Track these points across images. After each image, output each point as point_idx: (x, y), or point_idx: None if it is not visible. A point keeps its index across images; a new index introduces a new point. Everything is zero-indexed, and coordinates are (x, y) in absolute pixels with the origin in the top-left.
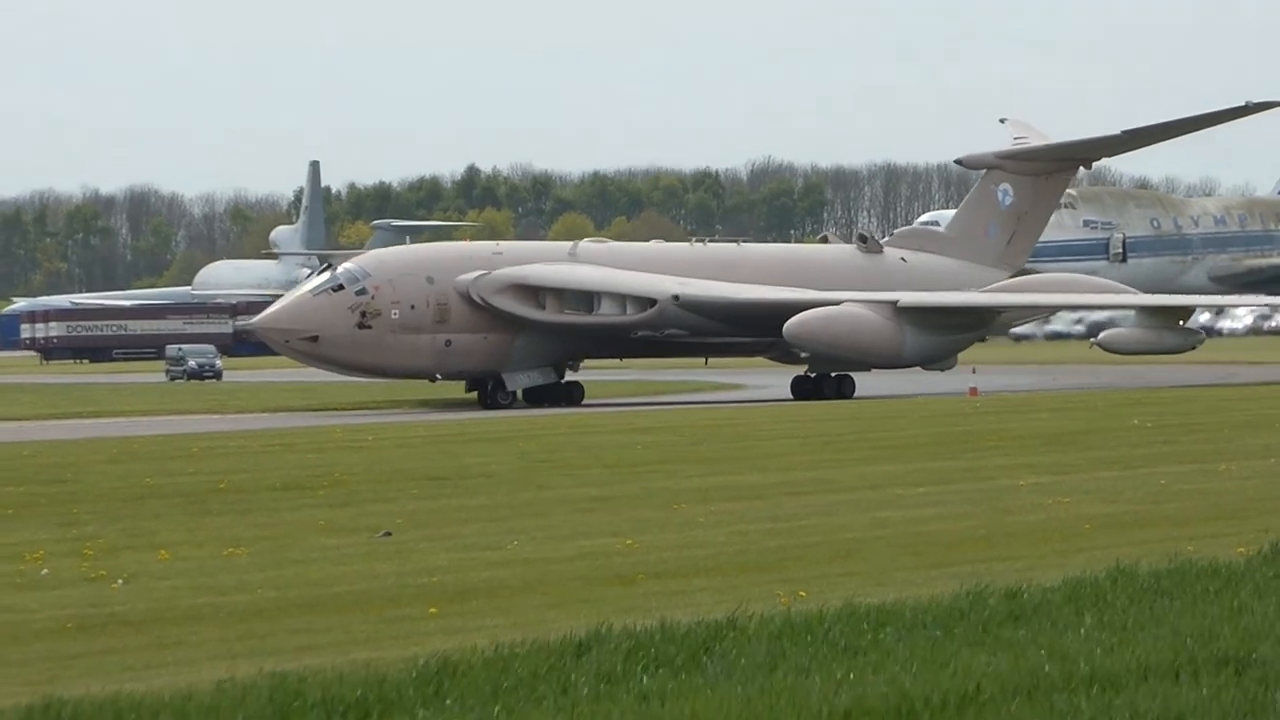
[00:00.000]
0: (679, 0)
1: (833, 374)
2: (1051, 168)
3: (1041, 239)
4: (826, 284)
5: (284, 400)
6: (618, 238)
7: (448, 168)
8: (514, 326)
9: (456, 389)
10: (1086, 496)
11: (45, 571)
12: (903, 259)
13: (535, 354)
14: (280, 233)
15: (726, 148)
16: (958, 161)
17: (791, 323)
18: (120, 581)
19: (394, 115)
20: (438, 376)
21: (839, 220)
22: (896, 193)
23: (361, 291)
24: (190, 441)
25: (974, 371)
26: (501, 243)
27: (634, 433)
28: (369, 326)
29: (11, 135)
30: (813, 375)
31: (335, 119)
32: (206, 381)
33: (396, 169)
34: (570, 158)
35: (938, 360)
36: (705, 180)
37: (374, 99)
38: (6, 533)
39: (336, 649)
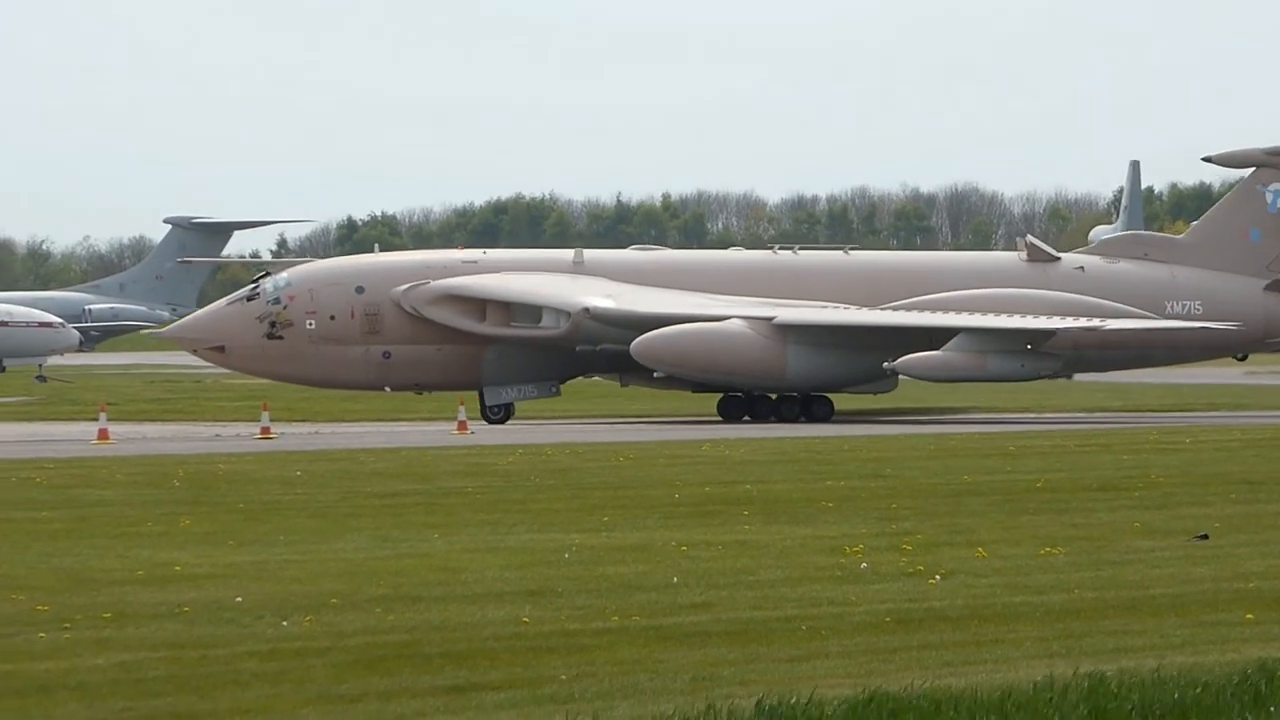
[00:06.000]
0: None
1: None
2: None
3: None
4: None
5: (1100, 401)
6: None
7: None
8: (480, 340)
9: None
10: None
11: (865, 565)
12: (1080, 268)
13: (517, 368)
14: (1098, 232)
15: None
16: (1206, 159)
17: (638, 341)
18: (938, 577)
19: (1217, 117)
20: (387, 389)
21: None
22: None
23: (275, 301)
24: (1007, 440)
25: None
26: (490, 251)
27: None
28: (280, 337)
29: (831, 134)
30: (774, 398)
31: (1159, 118)
32: None
33: (1220, 170)
34: None
35: (846, 385)
36: None
37: (1199, 101)
38: (828, 525)
39: (1153, 652)
